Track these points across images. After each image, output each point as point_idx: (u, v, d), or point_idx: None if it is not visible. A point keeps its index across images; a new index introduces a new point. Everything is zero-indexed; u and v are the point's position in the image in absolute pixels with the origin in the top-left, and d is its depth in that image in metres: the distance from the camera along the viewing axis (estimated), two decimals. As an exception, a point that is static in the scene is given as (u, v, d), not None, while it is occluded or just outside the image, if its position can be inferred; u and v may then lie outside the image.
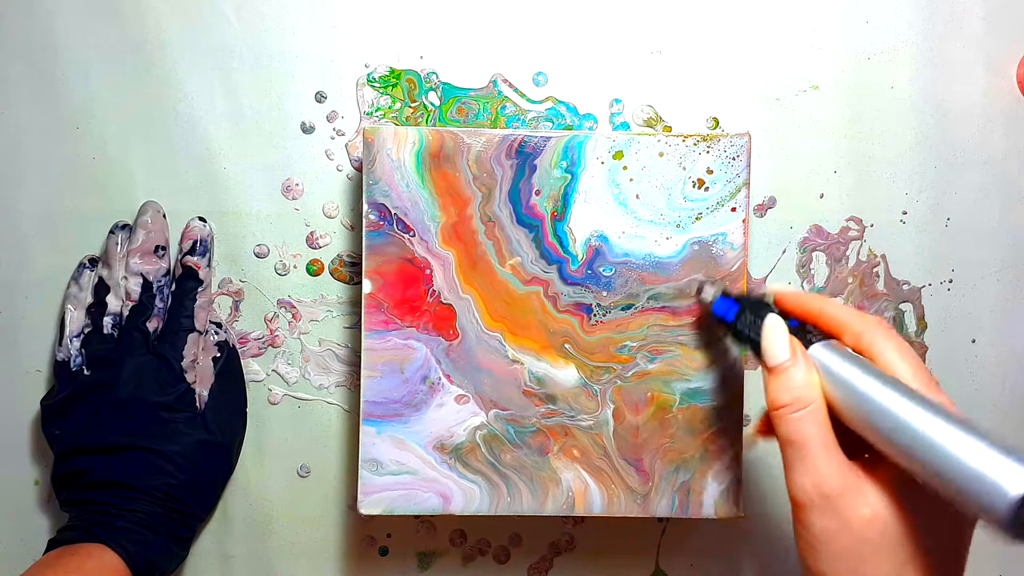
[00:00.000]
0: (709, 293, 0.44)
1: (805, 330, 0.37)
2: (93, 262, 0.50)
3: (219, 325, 0.50)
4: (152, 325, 0.48)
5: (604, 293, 0.46)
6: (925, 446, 0.30)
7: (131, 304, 0.48)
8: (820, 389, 0.35)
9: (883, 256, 0.52)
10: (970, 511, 0.29)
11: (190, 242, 0.49)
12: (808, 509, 0.33)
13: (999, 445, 0.29)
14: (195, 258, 0.49)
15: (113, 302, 0.48)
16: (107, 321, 0.48)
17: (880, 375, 0.33)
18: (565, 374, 0.46)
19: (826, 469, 0.33)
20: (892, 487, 0.33)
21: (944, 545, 0.32)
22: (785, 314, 0.39)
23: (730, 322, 0.42)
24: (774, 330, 0.37)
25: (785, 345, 0.36)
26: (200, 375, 0.48)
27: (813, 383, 0.35)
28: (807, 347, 0.36)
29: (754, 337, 0.39)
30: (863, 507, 0.32)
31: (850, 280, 0.52)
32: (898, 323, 0.52)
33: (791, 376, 0.35)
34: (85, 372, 0.48)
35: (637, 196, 0.46)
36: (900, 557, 0.32)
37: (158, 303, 0.48)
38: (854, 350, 0.36)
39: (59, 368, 0.48)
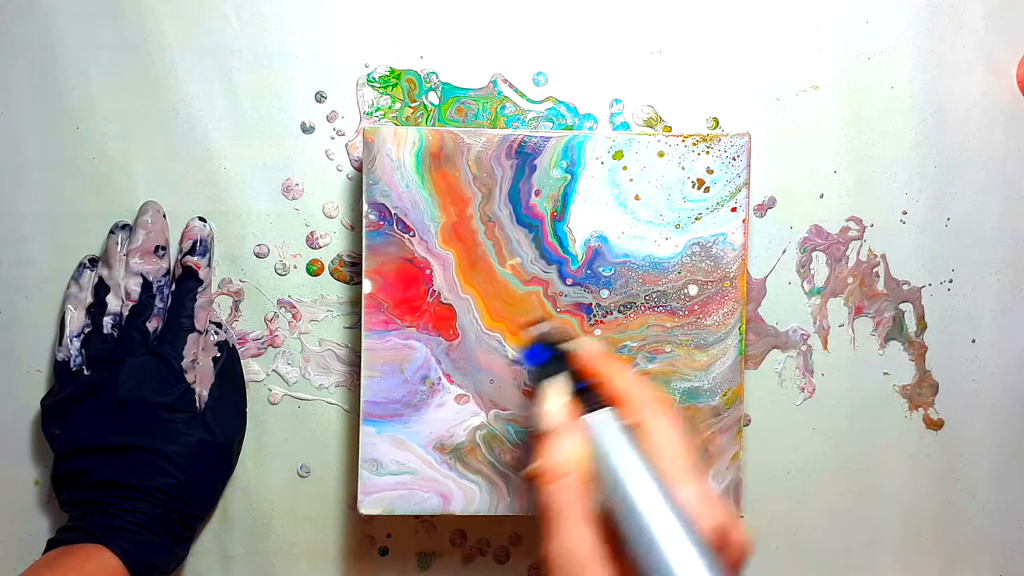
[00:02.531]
0: (542, 328, 0.42)
1: (590, 395, 0.36)
2: (93, 262, 0.50)
3: (219, 325, 0.50)
4: (152, 325, 0.48)
5: (604, 293, 0.46)
6: (635, 529, 0.31)
7: (131, 304, 0.48)
8: (582, 461, 0.34)
9: (883, 256, 0.52)
10: None
11: (190, 242, 0.49)
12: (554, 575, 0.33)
13: (700, 546, 0.30)
14: (195, 258, 0.49)
15: (113, 302, 0.48)
16: (107, 321, 0.48)
17: (639, 456, 0.33)
18: (565, 374, 0.46)
19: (574, 541, 0.32)
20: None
21: None
22: (580, 374, 0.38)
23: (532, 371, 0.40)
24: (549, 395, 0.36)
25: (556, 411, 0.35)
26: (200, 375, 0.48)
27: (574, 455, 0.34)
28: (587, 412, 0.35)
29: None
30: None
31: (850, 280, 0.52)
32: (898, 323, 0.52)
33: (555, 445, 0.34)
34: (85, 372, 0.48)
35: (637, 196, 0.46)
36: None
37: (158, 303, 0.48)
38: (631, 423, 0.35)
39: (59, 368, 0.48)
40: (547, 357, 0.39)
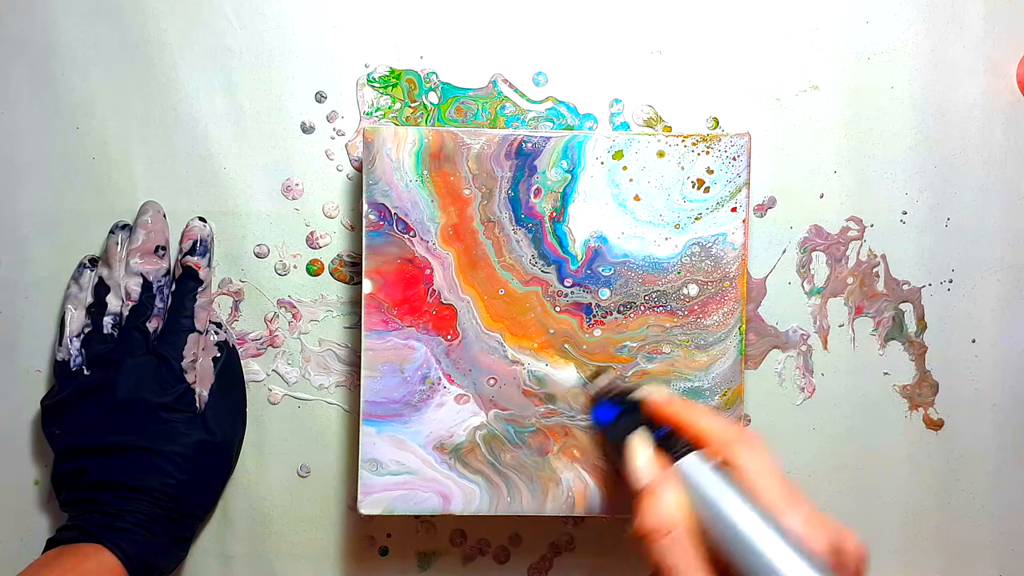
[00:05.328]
0: (603, 382, 0.43)
1: (673, 440, 0.36)
2: (93, 262, 0.50)
3: (219, 325, 0.50)
4: (152, 325, 0.48)
5: (603, 293, 0.46)
6: (753, 565, 0.31)
7: (131, 304, 0.48)
8: (684, 511, 0.34)
9: (883, 256, 0.52)
10: None
11: (190, 242, 0.49)
12: None
13: (819, 568, 0.30)
14: (195, 258, 0.49)
15: (113, 302, 0.48)
16: (107, 321, 0.48)
17: (742, 494, 0.33)
18: (565, 374, 0.46)
19: None
20: None
21: None
22: (655, 421, 0.38)
23: (606, 428, 0.40)
24: (637, 451, 0.36)
25: (647, 467, 0.36)
26: (200, 375, 0.48)
27: (675, 506, 0.34)
28: (675, 459, 0.35)
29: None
30: None
31: (850, 280, 0.52)
32: (898, 323, 0.52)
33: (657, 500, 0.34)
34: (85, 372, 0.48)
35: (637, 196, 0.46)
36: None
37: (158, 303, 0.48)
38: (721, 462, 0.35)
39: (59, 368, 0.48)
40: (617, 412, 0.40)
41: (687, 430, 0.37)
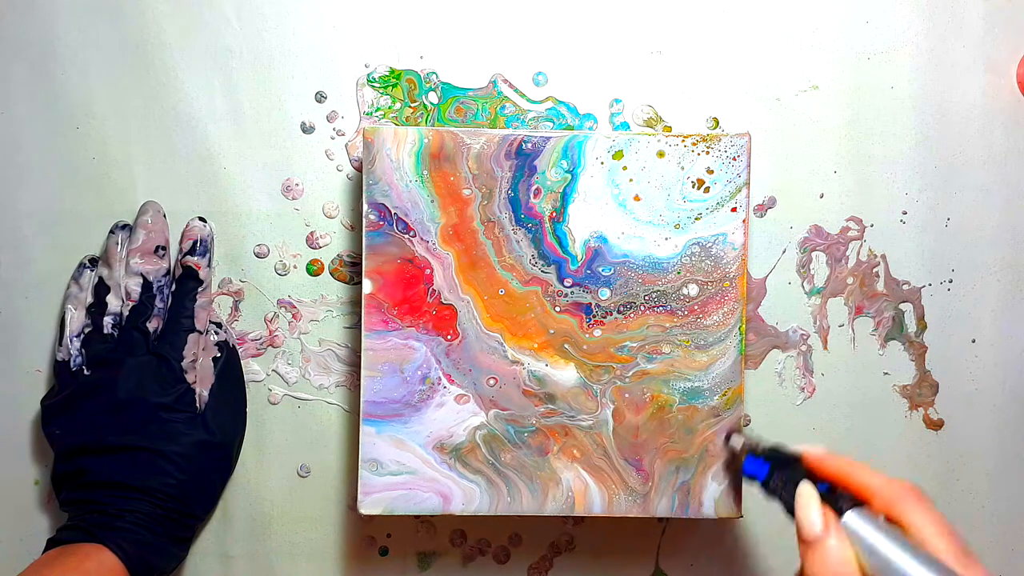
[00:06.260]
0: (737, 442, 0.44)
1: (835, 494, 0.37)
2: (93, 262, 0.50)
3: (219, 325, 0.50)
4: (152, 325, 0.48)
5: (603, 293, 0.46)
6: None
7: (131, 304, 0.48)
8: (856, 565, 0.34)
9: (883, 256, 0.52)
10: None
11: (190, 242, 0.49)
12: None
13: None
14: (195, 258, 0.49)
15: (113, 302, 0.48)
16: (107, 321, 0.48)
17: (915, 551, 0.33)
18: (565, 374, 0.46)
19: None
20: None
21: None
22: (814, 475, 0.38)
23: (762, 481, 0.41)
24: (807, 501, 0.36)
25: (818, 517, 0.35)
26: (200, 375, 0.48)
27: (849, 559, 0.34)
28: (840, 514, 0.35)
29: (787, 499, 0.39)
30: None
31: (850, 280, 0.52)
32: (898, 323, 0.52)
33: (827, 552, 0.34)
34: (85, 372, 0.48)
35: (637, 196, 0.46)
36: None
37: (158, 303, 0.48)
38: (886, 517, 0.35)
39: (59, 368, 0.48)
40: (769, 467, 0.40)
41: (850, 485, 0.37)
